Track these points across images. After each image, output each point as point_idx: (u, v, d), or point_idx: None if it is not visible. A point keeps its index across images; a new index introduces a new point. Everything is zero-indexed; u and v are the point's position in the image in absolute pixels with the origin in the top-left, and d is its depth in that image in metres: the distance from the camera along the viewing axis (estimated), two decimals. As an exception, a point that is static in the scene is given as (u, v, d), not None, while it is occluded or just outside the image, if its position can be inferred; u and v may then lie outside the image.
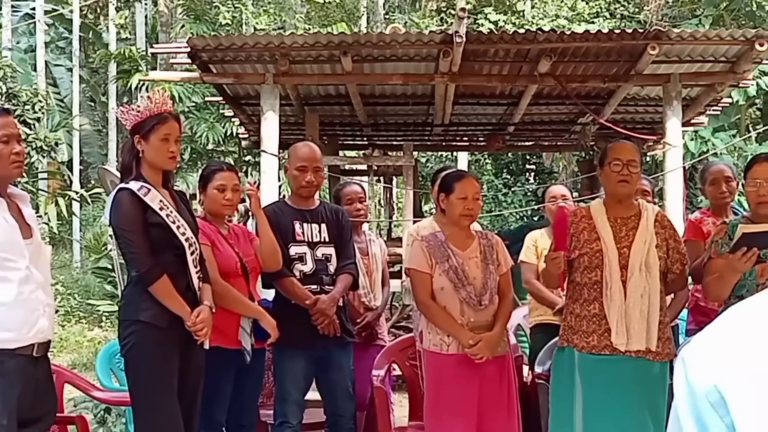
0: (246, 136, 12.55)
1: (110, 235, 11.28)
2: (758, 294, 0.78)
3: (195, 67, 9.03)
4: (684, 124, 10.11)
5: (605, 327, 4.48)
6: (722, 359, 0.73)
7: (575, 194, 15.20)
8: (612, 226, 4.60)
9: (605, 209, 4.66)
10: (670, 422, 0.77)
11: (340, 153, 12.77)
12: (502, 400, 4.85)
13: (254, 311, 4.84)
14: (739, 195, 6.94)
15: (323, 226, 5.21)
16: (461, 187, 4.84)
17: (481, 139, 12.94)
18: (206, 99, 14.35)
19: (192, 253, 4.33)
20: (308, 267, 5.13)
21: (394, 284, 9.66)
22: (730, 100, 12.45)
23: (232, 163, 12.94)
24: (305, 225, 5.17)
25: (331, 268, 5.18)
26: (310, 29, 18.00)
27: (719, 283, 4.28)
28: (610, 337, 4.45)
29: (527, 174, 20.96)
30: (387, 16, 22.30)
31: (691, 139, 13.94)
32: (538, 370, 5.50)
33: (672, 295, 5.04)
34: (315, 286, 5.10)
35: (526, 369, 6.04)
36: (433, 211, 6.90)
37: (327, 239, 5.20)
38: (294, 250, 5.12)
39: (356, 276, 5.31)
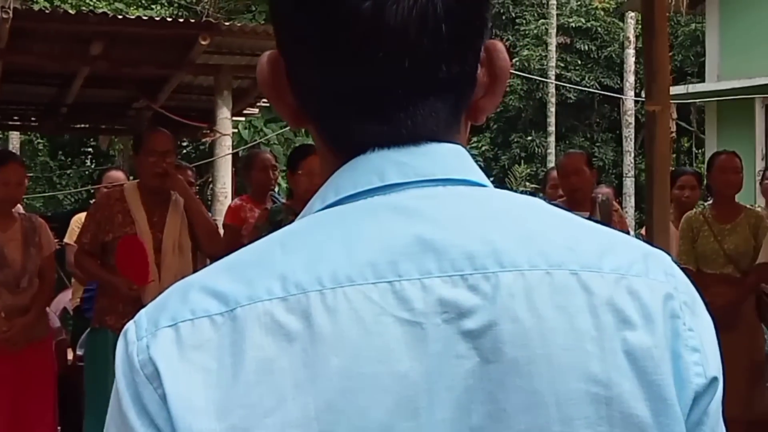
0: None
1: None
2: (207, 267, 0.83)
3: None
4: (235, 114, 10.58)
5: None
6: (159, 332, 0.76)
7: (132, 178, 15.22)
8: (146, 210, 4.78)
9: (139, 193, 4.83)
10: (112, 397, 0.78)
11: None
12: (38, 385, 4.83)
13: None
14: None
15: None
16: None
17: (33, 119, 12.51)
18: None
19: None
20: None
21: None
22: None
23: None
24: None
25: None
26: None
27: None
28: None
29: (84, 156, 20.53)
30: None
31: (245, 128, 14.54)
32: (79, 352, 5.54)
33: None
34: None
35: (71, 352, 6.05)
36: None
37: None
38: None
39: None
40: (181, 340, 0.75)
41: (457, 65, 0.82)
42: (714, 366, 0.83)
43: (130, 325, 0.79)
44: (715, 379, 0.82)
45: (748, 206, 5.89)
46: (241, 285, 0.76)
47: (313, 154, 4.88)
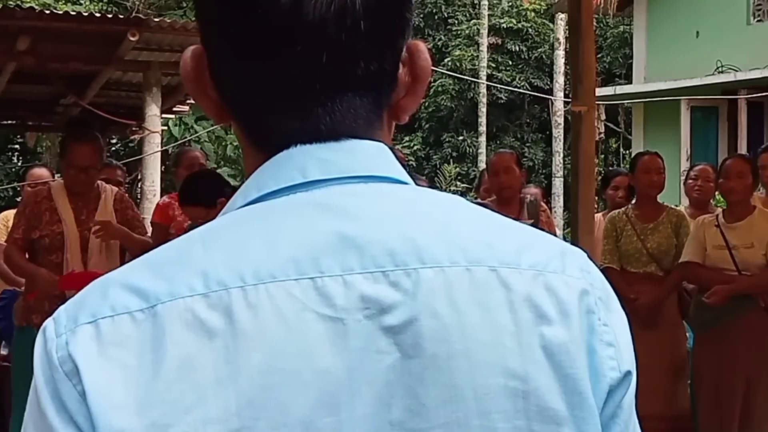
0: None
1: None
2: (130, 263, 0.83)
3: None
4: (165, 111, 10.49)
5: None
6: (78, 329, 0.75)
7: (58, 176, 14.99)
8: (73, 208, 4.73)
9: (66, 192, 4.78)
10: (30, 394, 0.78)
11: None
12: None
13: None
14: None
15: None
16: None
17: (-42, 114, 12.25)
18: None
19: None
20: None
21: None
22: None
23: None
24: None
25: None
26: None
27: None
28: None
29: (11, 153, 20.16)
30: None
31: (176, 125, 14.42)
32: (3, 352, 5.47)
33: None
34: None
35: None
36: None
37: None
38: None
39: None
40: (101, 337, 0.74)
41: (376, 62, 0.83)
42: (628, 360, 0.85)
43: (48, 322, 0.78)
44: (628, 373, 0.84)
45: (670, 206, 6.01)
46: (161, 282, 0.76)
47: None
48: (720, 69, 13.61)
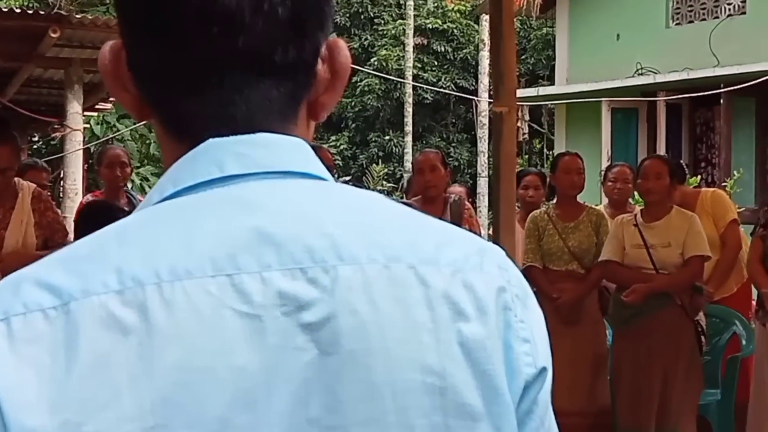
0: None
1: None
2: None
3: None
4: (87, 109, 10.34)
5: None
6: None
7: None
8: None
9: None
10: None
11: None
12: None
13: None
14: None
15: None
16: None
17: None
18: None
19: None
20: None
21: None
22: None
23: None
24: None
25: None
26: None
27: None
28: None
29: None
30: None
31: (98, 123, 14.22)
32: None
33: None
34: None
35: None
36: None
37: None
38: None
39: None
40: (13, 335, 0.73)
41: (294, 51, 0.83)
42: (543, 356, 0.86)
43: None
44: (544, 369, 0.85)
45: (589, 205, 6.11)
46: (75, 278, 0.75)
47: None
48: (640, 71, 13.85)
